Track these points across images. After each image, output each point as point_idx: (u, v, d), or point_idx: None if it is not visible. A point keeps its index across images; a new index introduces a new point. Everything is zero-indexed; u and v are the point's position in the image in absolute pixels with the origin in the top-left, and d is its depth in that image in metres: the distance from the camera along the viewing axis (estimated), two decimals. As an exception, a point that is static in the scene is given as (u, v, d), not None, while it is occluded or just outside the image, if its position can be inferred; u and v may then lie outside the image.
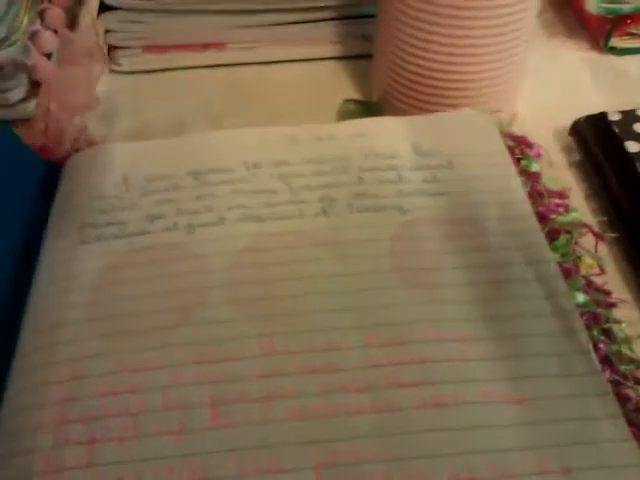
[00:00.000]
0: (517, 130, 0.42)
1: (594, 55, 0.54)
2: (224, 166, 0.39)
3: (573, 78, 0.52)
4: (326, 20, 0.53)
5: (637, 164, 0.41)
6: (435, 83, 0.44)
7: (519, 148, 0.39)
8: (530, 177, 0.38)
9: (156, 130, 0.49)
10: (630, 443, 0.28)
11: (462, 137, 0.40)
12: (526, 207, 0.36)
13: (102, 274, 0.35)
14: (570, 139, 0.46)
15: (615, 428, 0.28)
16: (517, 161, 0.39)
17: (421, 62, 0.43)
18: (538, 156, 0.39)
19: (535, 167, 0.38)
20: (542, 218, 0.36)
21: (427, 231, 0.36)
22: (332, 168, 0.39)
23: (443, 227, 0.36)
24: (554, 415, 0.29)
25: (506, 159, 0.38)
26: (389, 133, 0.41)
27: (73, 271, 0.35)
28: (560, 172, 0.43)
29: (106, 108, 0.50)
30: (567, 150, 0.46)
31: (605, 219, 0.40)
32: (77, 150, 0.42)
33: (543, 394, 0.30)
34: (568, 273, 0.33)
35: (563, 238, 0.35)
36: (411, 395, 0.29)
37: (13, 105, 0.46)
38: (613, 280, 0.37)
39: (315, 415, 0.29)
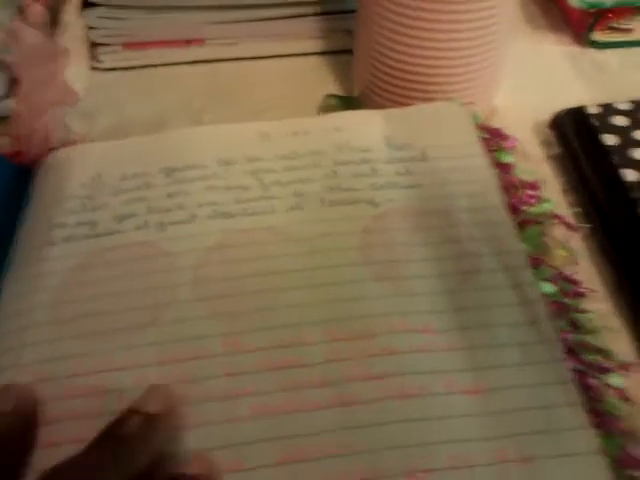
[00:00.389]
0: (498, 124, 0.41)
1: (576, 49, 0.54)
2: (196, 163, 0.39)
3: (555, 72, 0.52)
4: (308, 15, 0.53)
5: (613, 157, 0.41)
6: (415, 78, 0.44)
7: (493, 140, 0.39)
8: (503, 169, 0.38)
9: (137, 127, 0.49)
10: (588, 430, 0.28)
11: (436, 129, 0.40)
12: (497, 198, 0.36)
13: (70, 275, 0.34)
14: (550, 133, 0.46)
15: (574, 416, 0.28)
16: (491, 152, 0.38)
17: (401, 57, 0.43)
18: (512, 148, 0.38)
19: (508, 159, 0.38)
20: (513, 209, 0.36)
21: (398, 223, 0.36)
22: (305, 163, 0.38)
23: (414, 219, 0.36)
24: (514, 405, 0.29)
25: (479, 150, 0.38)
26: (364, 126, 0.40)
27: (42, 272, 0.35)
28: (539, 166, 0.43)
29: (87, 105, 0.50)
30: (546, 144, 0.46)
31: (580, 211, 0.40)
32: (52, 150, 0.42)
33: (504, 384, 0.29)
34: (537, 263, 0.33)
35: (533, 229, 0.34)
36: (374, 388, 0.29)
37: (-8, 102, 0.46)
38: (588, 273, 0.37)
39: (279, 412, 0.29)
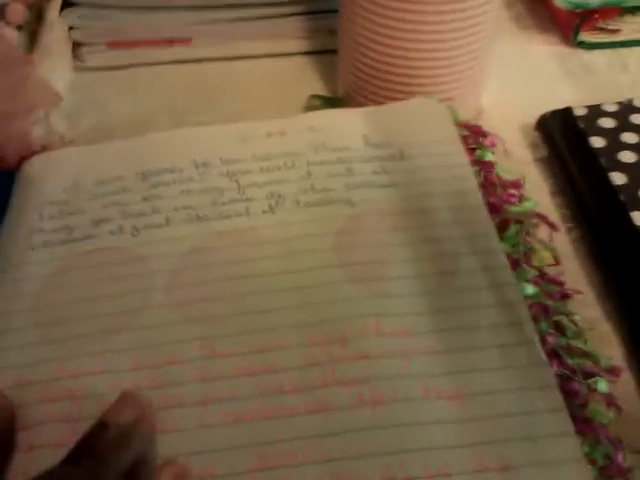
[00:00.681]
0: (484, 125, 0.41)
1: (564, 49, 0.53)
2: (173, 166, 0.39)
3: (542, 72, 0.52)
4: (292, 15, 0.52)
5: (601, 159, 0.40)
6: (399, 79, 0.43)
7: (473, 137, 0.38)
8: (484, 167, 0.37)
9: (120, 128, 0.48)
10: (571, 437, 0.27)
11: (415, 126, 0.39)
12: (476, 197, 0.35)
13: (47, 280, 0.34)
14: (536, 134, 0.45)
15: (556, 422, 0.27)
16: (472, 151, 0.38)
17: (384, 58, 0.42)
18: (492, 145, 0.38)
19: (489, 156, 0.37)
20: (494, 208, 0.35)
21: (374, 224, 0.35)
22: (281, 164, 0.38)
23: (391, 219, 0.35)
24: (494, 410, 0.28)
25: (458, 148, 0.37)
26: (342, 126, 0.40)
27: (21, 277, 0.34)
28: (526, 168, 0.43)
29: (69, 106, 0.49)
30: (533, 146, 0.45)
31: (568, 213, 0.40)
32: (34, 154, 0.41)
33: (483, 389, 0.29)
34: (517, 264, 0.32)
35: (513, 228, 0.34)
36: (348, 394, 0.29)
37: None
38: (576, 276, 0.37)
39: (253, 418, 0.28)
